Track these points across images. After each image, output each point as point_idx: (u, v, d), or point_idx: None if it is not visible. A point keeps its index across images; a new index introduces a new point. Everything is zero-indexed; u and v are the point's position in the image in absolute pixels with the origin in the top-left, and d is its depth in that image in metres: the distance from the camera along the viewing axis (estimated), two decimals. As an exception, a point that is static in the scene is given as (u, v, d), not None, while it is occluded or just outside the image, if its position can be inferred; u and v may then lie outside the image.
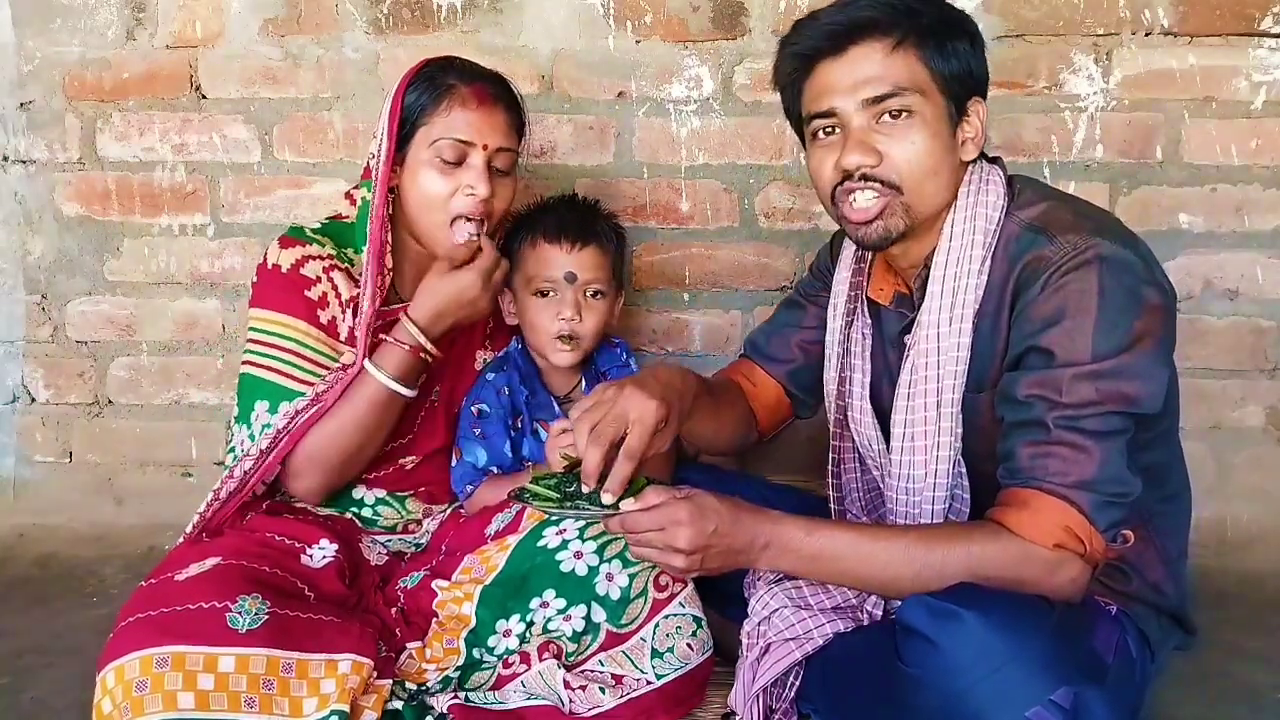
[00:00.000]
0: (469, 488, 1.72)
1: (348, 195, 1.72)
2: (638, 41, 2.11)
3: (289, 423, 1.58)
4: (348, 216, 1.69)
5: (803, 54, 1.38)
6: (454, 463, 1.74)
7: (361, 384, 1.60)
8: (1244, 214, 2.12)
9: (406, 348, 1.59)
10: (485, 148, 1.60)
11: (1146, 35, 2.06)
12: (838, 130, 1.37)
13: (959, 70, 1.34)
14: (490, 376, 1.76)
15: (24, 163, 2.20)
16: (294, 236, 1.64)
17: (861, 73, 1.33)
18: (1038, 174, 2.09)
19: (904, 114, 1.33)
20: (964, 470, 1.39)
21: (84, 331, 2.26)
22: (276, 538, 1.55)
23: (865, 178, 1.34)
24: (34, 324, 2.26)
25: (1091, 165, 2.11)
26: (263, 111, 2.16)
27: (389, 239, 1.64)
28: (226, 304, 2.22)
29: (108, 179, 2.20)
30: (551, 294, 1.71)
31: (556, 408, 1.76)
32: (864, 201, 1.36)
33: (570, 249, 1.71)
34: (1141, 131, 2.10)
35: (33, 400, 2.29)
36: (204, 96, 2.16)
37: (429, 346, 1.60)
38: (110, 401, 2.28)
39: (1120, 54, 2.07)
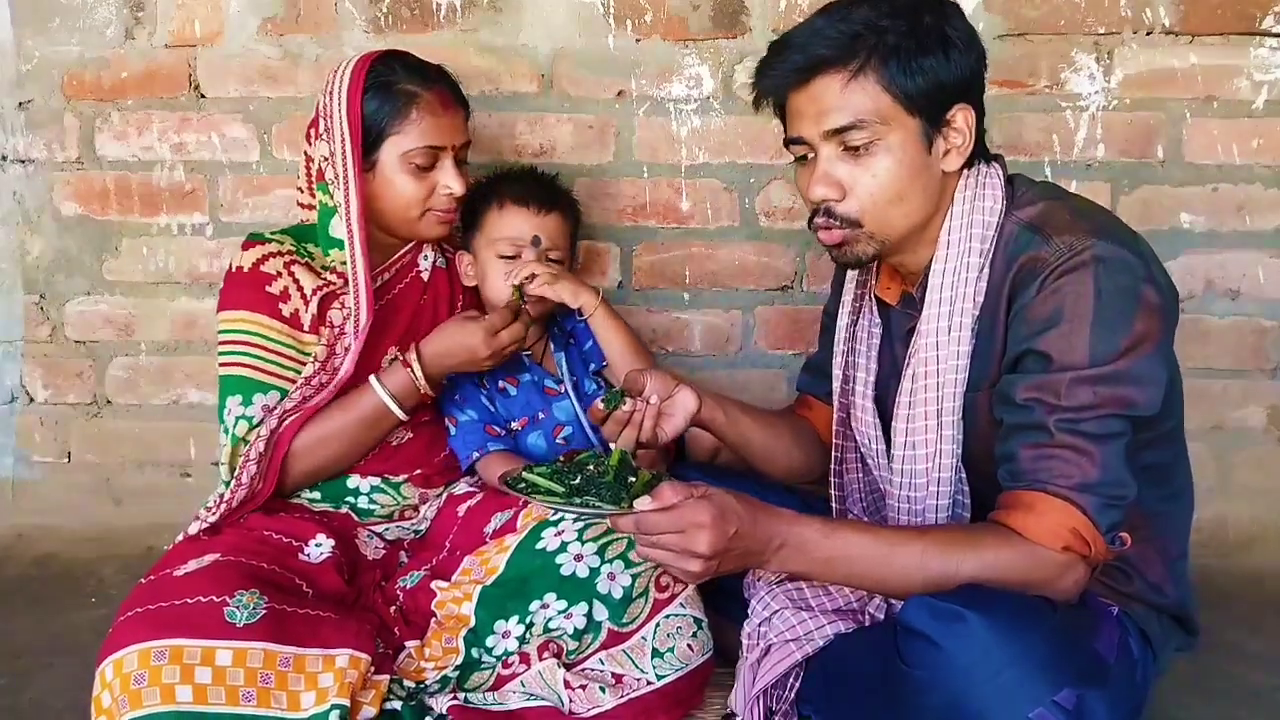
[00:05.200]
0: (475, 454, 1.75)
1: (299, 204, 1.77)
2: (637, 40, 2.10)
3: (279, 424, 1.61)
4: (306, 221, 1.75)
5: (773, 89, 1.38)
6: (452, 433, 1.77)
7: (359, 395, 1.66)
8: (1245, 214, 2.12)
9: (407, 370, 1.66)
10: (453, 148, 1.68)
11: (1148, 34, 2.06)
12: (811, 154, 1.37)
13: (928, 87, 1.31)
14: None
15: (23, 162, 2.20)
16: (253, 240, 1.70)
17: (822, 104, 1.32)
18: (1039, 173, 2.08)
19: (868, 144, 1.32)
20: (964, 475, 1.38)
21: (83, 331, 2.25)
22: (274, 535, 1.56)
23: (829, 212, 1.35)
24: (33, 324, 2.25)
25: (1093, 165, 2.11)
26: (261, 111, 2.15)
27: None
28: (225, 304, 2.22)
29: (106, 178, 2.19)
30: (516, 257, 1.76)
31: (525, 359, 1.83)
32: (829, 232, 1.37)
33: (538, 213, 1.78)
34: (1143, 131, 2.09)
35: (31, 400, 2.28)
36: (203, 96, 2.15)
37: (421, 377, 1.65)
38: (109, 401, 2.27)
39: (1121, 53, 2.07)
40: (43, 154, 2.19)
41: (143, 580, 1.43)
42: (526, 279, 1.70)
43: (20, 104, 2.17)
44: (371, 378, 1.67)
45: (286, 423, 1.62)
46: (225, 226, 2.19)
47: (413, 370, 1.65)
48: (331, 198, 1.66)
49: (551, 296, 1.72)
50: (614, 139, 2.14)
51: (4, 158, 2.20)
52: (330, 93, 1.65)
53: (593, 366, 1.85)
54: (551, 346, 1.86)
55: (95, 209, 2.20)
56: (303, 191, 1.74)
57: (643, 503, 1.21)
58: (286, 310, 1.65)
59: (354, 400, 1.66)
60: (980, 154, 1.40)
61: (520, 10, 2.10)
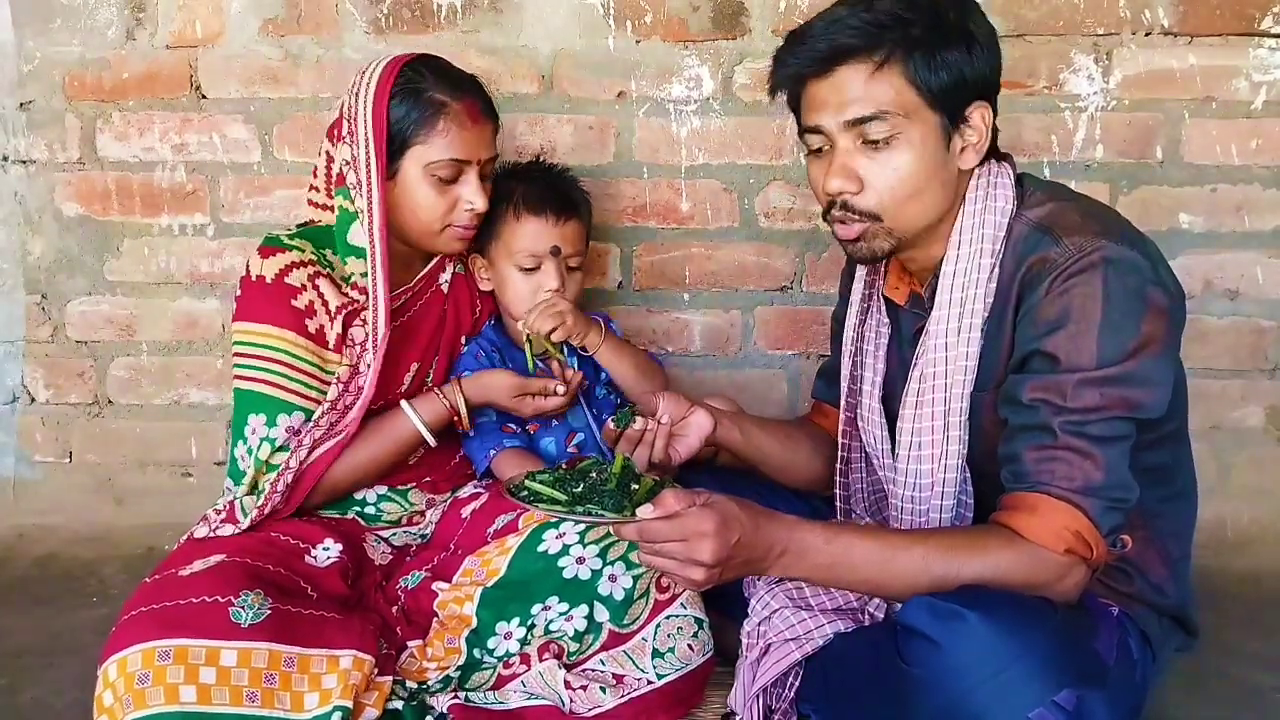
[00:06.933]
0: (492, 451, 1.73)
1: (311, 203, 1.71)
2: (638, 41, 2.11)
3: (309, 455, 1.58)
4: (318, 221, 1.69)
5: (793, 76, 1.37)
6: (470, 435, 1.75)
7: (391, 422, 1.65)
8: (1244, 214, 2.12)
9: (446, 405, 1.67)
10: (479, 162, 1.62)
11: (1147, 35, 2.06)
12: (827, 145, 1.36)
13: (950, 81, 1.30)
14: (466, 349, 1.81)
15: (24, 163, 2.20)
16: (273, 245, 1.62)
17: (845, 94, 1.31)
18: (1038, 174, 2.06)
19: (888, 137, 1.31)
20: (968, 475, 1.38)
21: (84, 331, 2.25)
22: (281, 537, 1.56)
23: (845, 206, 1.34)
24: (34, 324, 2.25)
25: (1092, 165, 2.11)
26: (263, 111, 2.15)
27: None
28: (226, 304, 2.22)
29: (108, 179, 2.19)
30: (536, 268, 1.73)
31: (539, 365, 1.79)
32: (846, 226, 1.37)
33: (556, 222, 1.74)
34: (1142, 131, 2.10)
35: (33, 400, 2.28)
36: (204, 96, 2.15)
37: (465, 417, 1.68)
38: (110, 401, 2.28)
39: (1120, 54, 2.07)
40: (44, 155, 2.19)
41: (147, 579, 1.42)
42: (545, 331, 1.68)
43: (21, 104, 2.17)
44: (405, 406, 1.66)
45: (317, 453, 1.59)
46: (226, 227, 2.20)
47: (459, 415, 1.67)
48: (353, 203, 1.59)
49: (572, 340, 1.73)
50: (614, 140, 2.15)
51: (5, 158, 2.20)
52: (356, 94, 1.59)
53: (604, 375, 1.82)
54: (564, 351, 1.82)
55: (96, 209, 2.20)
56: (318, 191, 1.68)
57: (645, 510, 1.19)
58: (312, 326, 1.59)
59: (386, 429, 1.65)
60: (992, 152, 1.40)
61: (520, 11, 2.10)
